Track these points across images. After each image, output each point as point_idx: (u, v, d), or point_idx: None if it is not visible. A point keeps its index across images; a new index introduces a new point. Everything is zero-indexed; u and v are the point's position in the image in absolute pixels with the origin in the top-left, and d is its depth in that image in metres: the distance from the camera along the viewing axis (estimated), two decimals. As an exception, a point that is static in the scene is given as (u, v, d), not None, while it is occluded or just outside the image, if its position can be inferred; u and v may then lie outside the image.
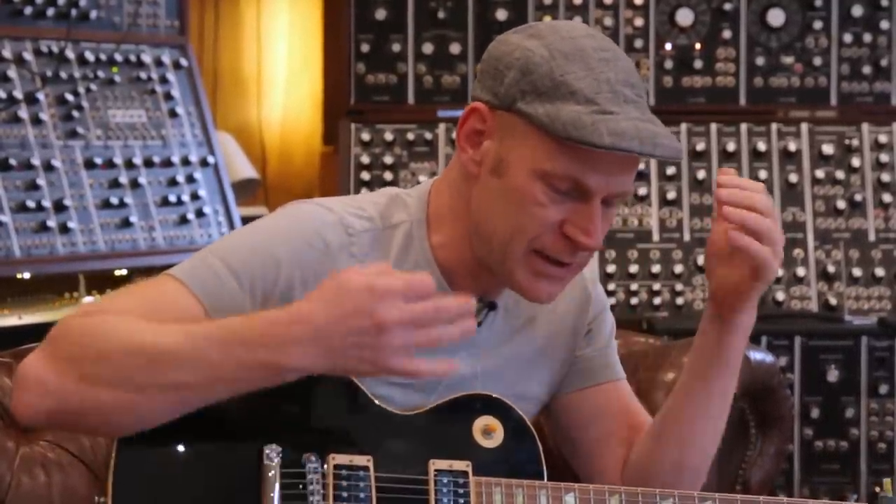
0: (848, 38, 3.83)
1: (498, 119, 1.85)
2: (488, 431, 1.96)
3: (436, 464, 1.90)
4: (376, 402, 1.91)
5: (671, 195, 3.75)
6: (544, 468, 1.98)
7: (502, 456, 1.96)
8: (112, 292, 1.87)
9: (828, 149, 3.79)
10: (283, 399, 1.85)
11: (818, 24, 3.82)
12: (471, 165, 1.88)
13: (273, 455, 1.82)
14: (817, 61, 3.83)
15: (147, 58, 3.84)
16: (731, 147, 3.79)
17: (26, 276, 3.47)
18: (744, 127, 3.82)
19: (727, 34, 3.83)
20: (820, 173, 3.77)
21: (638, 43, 3.82)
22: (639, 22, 3.82)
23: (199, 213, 3.82)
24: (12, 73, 3.53)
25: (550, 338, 2.07)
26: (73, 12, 3.66)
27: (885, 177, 3.78)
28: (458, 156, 1.91)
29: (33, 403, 1.74)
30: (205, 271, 1.81)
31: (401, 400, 1.94)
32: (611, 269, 3.69)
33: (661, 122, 1.83)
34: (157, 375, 1.69)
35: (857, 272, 3.69)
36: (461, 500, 1.89)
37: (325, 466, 1.85)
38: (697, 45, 3.84)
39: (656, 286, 3.68)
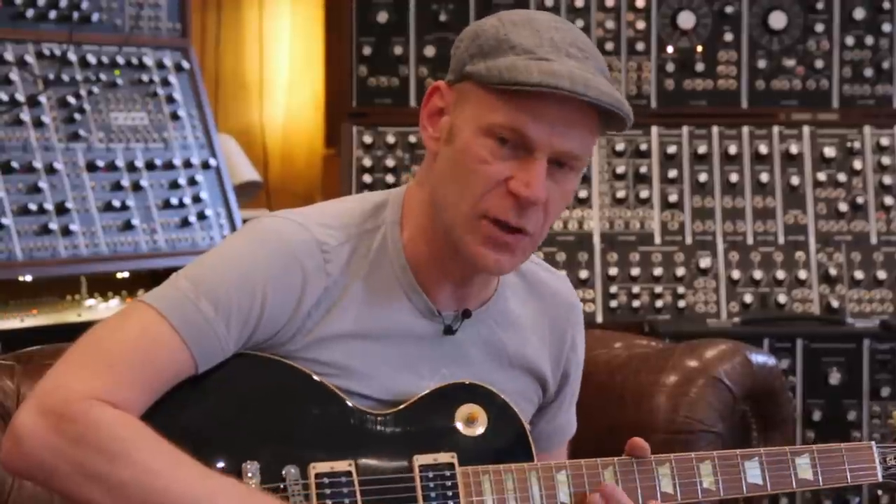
0: (850, 40, 3.83)
1: (455, 92, 1.87)
2: (471, 420, 1.92)
3: (420, 459, 1.87)
4: (353, 405, 1.88)
5: (673, 198, 3.75)
6: (533, 448, 1.95)
7: (488, 442, 1.92)
8: (105, 333, 1.80)
9: (829, 151, 3.79)
10: (260, 415, 1.84)
11: (820, 27, 3.82)
12: (431, 143, 1.90)
13: (253, 471, 1.80)
14: (819, 64, 3.83)
15: (149, 60, 3.84)
16: (732, 150, 3.78)
17: (28, 278, 3.47)
18: (745, 130, 3.81)
19: (729, 37, 3.83)
20: (822, 176, 3.77)
21: (640, 46, 3.82)
22: (640, 25, 3.82)
23: (201, 216, 3.82)
24: (14, 75, 3.53)
25: (530, 346, 2.04)
26: (75, 15, 3.66)
27: (887, 179, 3.78)
28: (424, 139, 1.92)
29: (22, 469, 1.75)
30: (196, 316, 1.80)
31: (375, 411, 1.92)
32: (613, 271, 3.68)
33: (607, 83, 1.82)
34: None
35: (858, 275, 3.69)
36: (449, 493, 1.87)
37: (307, 477, 1.82)
38: (699, 48, 3.84)
39: (658, 289, 3.68)
